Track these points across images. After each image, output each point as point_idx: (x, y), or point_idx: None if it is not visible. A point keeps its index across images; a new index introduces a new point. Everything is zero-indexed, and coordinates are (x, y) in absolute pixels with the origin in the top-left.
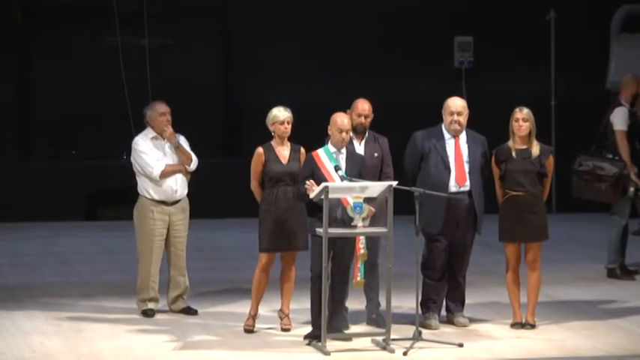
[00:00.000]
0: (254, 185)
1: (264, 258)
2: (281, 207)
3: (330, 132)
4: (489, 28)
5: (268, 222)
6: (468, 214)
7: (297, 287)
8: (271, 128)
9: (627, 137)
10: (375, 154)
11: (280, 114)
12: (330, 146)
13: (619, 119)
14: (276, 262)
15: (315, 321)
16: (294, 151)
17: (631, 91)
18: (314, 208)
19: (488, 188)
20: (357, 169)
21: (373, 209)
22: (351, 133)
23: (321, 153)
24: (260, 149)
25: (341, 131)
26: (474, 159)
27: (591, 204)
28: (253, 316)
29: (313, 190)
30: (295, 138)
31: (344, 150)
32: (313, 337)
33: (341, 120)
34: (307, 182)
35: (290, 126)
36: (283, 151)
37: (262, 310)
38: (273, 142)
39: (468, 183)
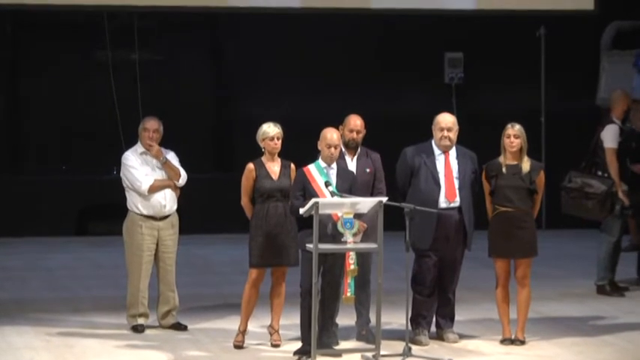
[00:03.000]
0: (244, 201)
1: (254, 273)
2: (271, 222)
3: (319, 147)
4: (480, 44)
5: (259, 237)
6: (457, 229)
7: (287, 303)
8: (261, 144)
9: (617, 155)
10: (367, 170)
11: (270, 130)
12: (320, 162)
13: (609, 136)
14: (267, 277)
15: (305, 337)
16: (284, 167)
17: (622, 108)
18: (305, 224)
19: (479, 204)
20: (348, 185)
21: (365, 225)
22: (344, 149)
23: (312, 168)
24: (251, 165)
25: (330, 146)
26: (463, 175)
27: (581, 220)
28: (243, 331)
29: None
30: (286, 153)
31: (334, 165)
32: (303, 353)
33: (330, 135)
34: None
35: (280, 142)
36: (274, 167)
37: (252, 325)
38: (263, 158)
39: (457, 199)
